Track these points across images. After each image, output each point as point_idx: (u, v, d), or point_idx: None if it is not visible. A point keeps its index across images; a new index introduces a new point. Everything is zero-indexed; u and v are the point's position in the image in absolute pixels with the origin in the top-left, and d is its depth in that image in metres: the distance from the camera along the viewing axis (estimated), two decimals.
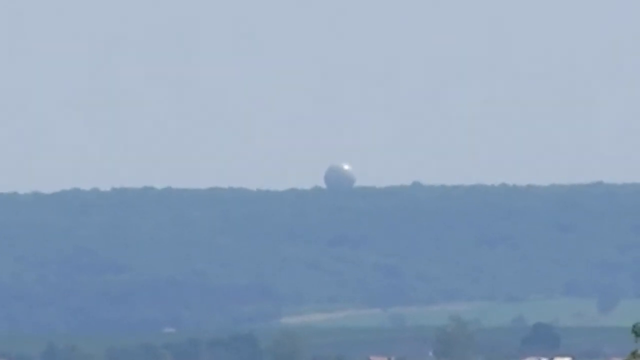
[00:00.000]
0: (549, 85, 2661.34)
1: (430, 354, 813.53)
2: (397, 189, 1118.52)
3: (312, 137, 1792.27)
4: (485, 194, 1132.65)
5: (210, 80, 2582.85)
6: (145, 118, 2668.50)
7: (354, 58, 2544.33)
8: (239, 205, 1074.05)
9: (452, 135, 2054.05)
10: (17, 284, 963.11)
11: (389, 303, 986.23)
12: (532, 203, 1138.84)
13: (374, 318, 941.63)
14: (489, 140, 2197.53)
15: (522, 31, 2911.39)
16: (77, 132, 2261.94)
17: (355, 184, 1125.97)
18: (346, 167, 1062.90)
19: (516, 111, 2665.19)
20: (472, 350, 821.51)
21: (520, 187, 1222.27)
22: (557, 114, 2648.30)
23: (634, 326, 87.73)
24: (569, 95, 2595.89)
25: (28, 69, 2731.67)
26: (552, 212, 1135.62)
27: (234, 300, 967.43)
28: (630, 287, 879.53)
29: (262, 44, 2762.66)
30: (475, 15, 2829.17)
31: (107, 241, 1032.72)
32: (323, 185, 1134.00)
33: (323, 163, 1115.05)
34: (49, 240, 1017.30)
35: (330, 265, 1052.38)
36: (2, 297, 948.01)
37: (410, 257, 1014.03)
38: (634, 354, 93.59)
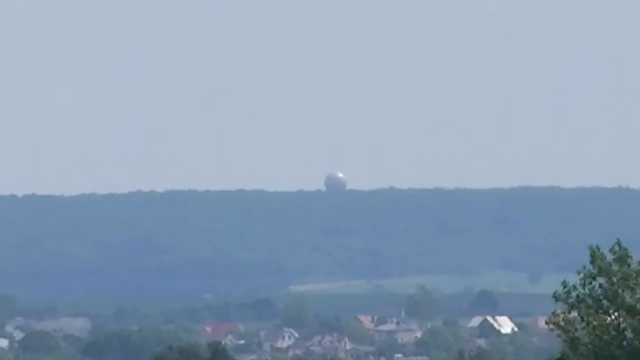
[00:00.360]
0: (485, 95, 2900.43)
1: (403, 314, 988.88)
2: (378, 191, 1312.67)
3: (316, 152, 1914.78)
4: (444, 195, 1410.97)
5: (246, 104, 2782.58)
6: (184, 134, 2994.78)
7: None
8: (258, 203, 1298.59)
9: (418, 150, 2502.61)
10: (94, 261, 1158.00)
11: (372, 276, 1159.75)
12: (479, 201, 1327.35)
13: (360, 287, 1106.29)
14: (447, 151, 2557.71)
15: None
16: (139, 143, 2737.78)
17: (347, 187, 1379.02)
18: (340, 175, 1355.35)
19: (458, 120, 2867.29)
20: (434, 311, 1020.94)
21: (468, 189, 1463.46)
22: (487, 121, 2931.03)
23: (554, 293, 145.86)
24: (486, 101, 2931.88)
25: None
26: (494, 208, 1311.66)
27: (256, 274, 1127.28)
28: (552, 265, 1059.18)
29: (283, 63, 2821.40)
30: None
31: (160, 231, 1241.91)
32: (323, 188, 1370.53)
33: (323, 171, 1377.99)
34: (120, 230, 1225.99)
35: (327, 248, 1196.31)
36: (83, 270, 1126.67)
37: (388, 242, 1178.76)
38: (553, 313, 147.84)
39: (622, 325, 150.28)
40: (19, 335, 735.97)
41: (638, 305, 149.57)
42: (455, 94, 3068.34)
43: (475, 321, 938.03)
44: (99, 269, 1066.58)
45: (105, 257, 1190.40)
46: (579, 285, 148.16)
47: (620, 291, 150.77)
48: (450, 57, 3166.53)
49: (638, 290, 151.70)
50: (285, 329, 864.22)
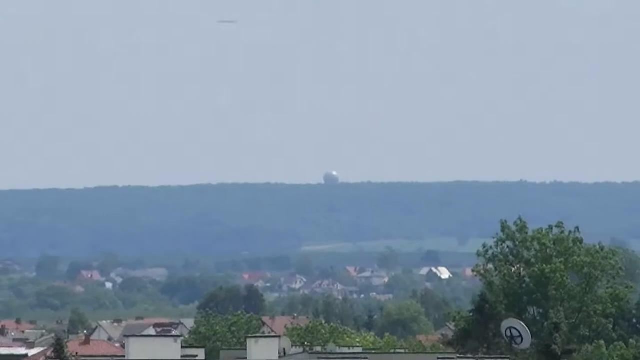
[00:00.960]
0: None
1: (376, 266, 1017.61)
2: (359, 185, 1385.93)
3: (317, 154, 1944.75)
4: (405, 186, 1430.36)
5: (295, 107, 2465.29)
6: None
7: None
8: (279, 191, 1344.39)
9: (390, 151, 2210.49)
10: (172, 230, 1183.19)
11: (355, 240, 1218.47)
12: (429, 192, 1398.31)
13: (348, 248, 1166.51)
14: (402, 146, 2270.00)
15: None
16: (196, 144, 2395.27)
17: (339, 181, 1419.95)
18: (334, 172, 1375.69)
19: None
20: (397, 264, 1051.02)
21: (421, 183, 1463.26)
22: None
23: (477, 252, 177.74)
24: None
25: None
26: (439, 196, 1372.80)
27: (278, 238, 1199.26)
28: (476, 233, 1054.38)
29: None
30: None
31: (216, 210, 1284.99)
32: (322, 182, 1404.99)
33: (322, 169, 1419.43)
34: (190, 209, 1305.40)
35: (326, 222, 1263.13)
36: (164, 236, 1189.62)
37: (367, 218, 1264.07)
38: (476, 265, 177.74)
39: (522, 274, 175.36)
40: (119, 280, 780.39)
41: (532, 259, 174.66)
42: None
43: (424, 271, 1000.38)
44: (175, 235, 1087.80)
45: (179, 227, 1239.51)
46: (494, 246, 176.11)
47: (520, 250, 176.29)
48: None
49: (532, 250, 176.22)
50: (297, 275, 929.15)
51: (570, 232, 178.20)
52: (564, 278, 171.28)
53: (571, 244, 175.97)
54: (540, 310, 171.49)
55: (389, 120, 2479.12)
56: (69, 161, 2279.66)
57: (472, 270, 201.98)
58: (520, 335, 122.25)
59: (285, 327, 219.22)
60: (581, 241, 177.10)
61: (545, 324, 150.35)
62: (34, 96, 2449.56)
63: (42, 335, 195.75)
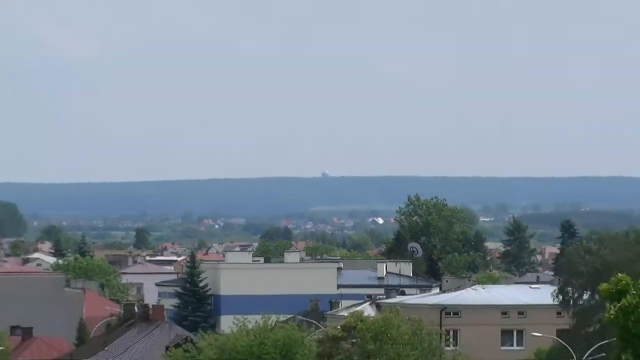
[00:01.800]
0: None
1: (347, 217, 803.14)
2: (351, 177, 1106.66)
3: (316, 153, 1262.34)
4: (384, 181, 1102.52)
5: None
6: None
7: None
8: (290, 185, 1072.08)
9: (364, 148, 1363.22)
10: (249, 198, 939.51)
11: (341, 204, 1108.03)
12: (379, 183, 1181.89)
13: (338, 209, 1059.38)
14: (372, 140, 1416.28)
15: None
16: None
17: (330, 175, 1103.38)
18: (327, 171, 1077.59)
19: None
20: (357, 216, 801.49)
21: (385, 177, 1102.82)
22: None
23: (397, 209, 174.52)
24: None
25: None
26: (384, 188, 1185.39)
27: (303, 207, 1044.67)
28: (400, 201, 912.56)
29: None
30: None
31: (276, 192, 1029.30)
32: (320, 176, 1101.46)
33: (321, 168, 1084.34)
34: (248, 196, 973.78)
35: (324, 199, 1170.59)
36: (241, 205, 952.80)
37: (344, 196, 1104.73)
38: (397, 216, 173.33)
39: (418, 221, 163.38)
40: (221, 224, 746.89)
41: (423, 214, 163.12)
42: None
43: (371, 219, 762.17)
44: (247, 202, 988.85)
45: (254, 197, 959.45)
46: (405, 207, 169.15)
47: (417, 210, 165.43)
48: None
49: (423, 209, 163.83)
50: (310, 223, 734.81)
51: (443, 201, 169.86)
52: (437, 223, 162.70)
53: (442, 207, 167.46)
54: (429, 239, 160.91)
55: None
56: None
57: (395, 219, 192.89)
58: (417, 251, 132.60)
59: (304, 247, 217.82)
60: (444, 205, 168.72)
61: (429, 244, 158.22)
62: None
63: (184, 251, 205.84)
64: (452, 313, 79.76)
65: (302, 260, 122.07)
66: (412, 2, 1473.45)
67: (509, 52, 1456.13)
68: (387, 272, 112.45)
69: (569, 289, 70.11)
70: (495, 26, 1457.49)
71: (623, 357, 29.07)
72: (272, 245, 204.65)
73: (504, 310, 79.50)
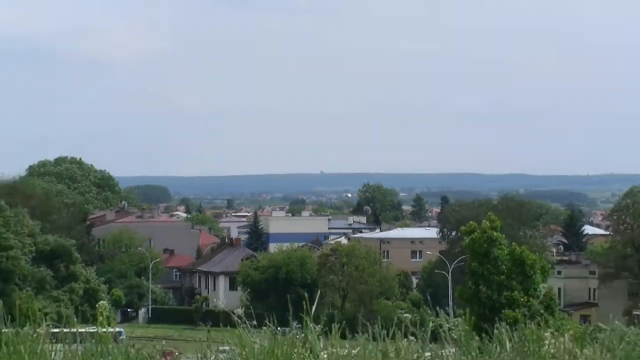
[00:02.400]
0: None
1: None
2: (347, 174, 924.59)
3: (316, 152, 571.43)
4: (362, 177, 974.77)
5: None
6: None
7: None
8: (305, 177, 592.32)
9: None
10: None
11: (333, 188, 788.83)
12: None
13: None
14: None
15: None
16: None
17: (325, 172, 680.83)
18: (323, 169, 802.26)
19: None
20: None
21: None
22: None
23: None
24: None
25: None
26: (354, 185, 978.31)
27: (307, 188, 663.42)
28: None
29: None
30: None
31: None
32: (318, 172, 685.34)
33: (319, 167, 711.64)
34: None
35: (321, 189, 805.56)
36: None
37: (334, 186, 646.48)
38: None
39: (376, 200, 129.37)
40: (269, 197, 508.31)
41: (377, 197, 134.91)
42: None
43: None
44: (284, 186, 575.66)
45: (287, 184, 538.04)
46: (363, 190, 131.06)
47: (374, 194, 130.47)
48: None
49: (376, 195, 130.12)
50: (314, 196, 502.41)
51: (380, 186, 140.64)
52: (378, 197, 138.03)
53: (379, 189, 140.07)
54: (374, 204, 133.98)
55: None
56: None
57: (357, 194, 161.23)
58: (369, 210, 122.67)
59: (311, 209, 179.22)
60: (381, 188, 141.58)
61: (375, 207, 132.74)
62: None
63: (251, 210, 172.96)
64: (385, 242, 78.10)
65: (310, 215, 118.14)
66: None
67: None
68: (353, 221, 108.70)
69: (445, 229, 68.53)
70: None
71: (472, 264, 28.96)
72: (295, 207, 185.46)
73: (412, 240, 78.13)
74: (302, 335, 3.13)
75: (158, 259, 67.96)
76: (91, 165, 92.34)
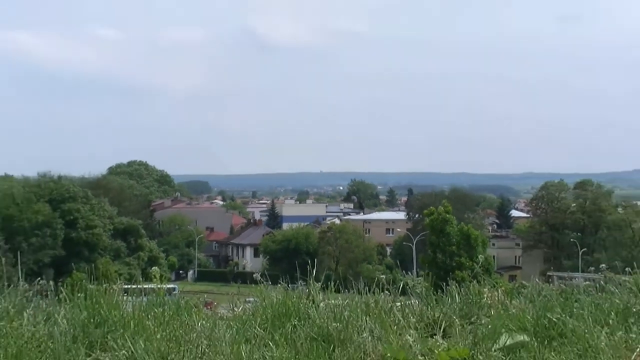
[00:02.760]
0: None
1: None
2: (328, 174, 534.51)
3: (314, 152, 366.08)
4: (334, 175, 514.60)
5: None
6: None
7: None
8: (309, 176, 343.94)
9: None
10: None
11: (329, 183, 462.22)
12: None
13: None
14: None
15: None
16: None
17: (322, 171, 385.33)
18: (322, 169, 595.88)
19: None
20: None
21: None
22: None
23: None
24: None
25: None
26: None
27: (302, 180, 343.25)
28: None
29: None
30: None
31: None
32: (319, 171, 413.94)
33: (319, 167, 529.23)
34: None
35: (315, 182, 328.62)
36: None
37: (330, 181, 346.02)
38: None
39: (360, 191, 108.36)
40: (283, 190, 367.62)
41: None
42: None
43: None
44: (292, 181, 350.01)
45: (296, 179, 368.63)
46: (351, 184, 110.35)
47: (359, 187, 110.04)
48: None
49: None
50: (315, 189, 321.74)
51: (364, 181, 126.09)
52: (360, 189, 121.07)
53: (362, 183, 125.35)
54: (359, 195, 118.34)
55: None
56: None
57: (347, 187, 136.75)
58: (355, 199, 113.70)
59: (313, 198, 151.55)
60: (363, 182, 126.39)
61: (359, 196, 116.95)
62: None
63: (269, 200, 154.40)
64: (367, 222, 76.72)
65: (312, 202, 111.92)
66: None
67: None
68: (344, 207, 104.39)
69: (410, 213, 67.94)
70: None
71: (431, 238, 29.73)
72: (301, 197, 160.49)
73: (386, 221, 76.55)
74: (307, 290, 3.26)
75: (202, 235, 68.23)
76: (153, 166, 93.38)
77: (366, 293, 3.28)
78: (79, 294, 2.97)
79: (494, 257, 45.07)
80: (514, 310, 3.13)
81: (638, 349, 2.53)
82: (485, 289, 3.43)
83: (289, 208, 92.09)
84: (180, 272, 61.83)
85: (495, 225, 72.85)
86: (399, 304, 3.26)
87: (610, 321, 2.81)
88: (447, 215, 29.56)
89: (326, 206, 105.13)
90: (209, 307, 3.73)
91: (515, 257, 54.66)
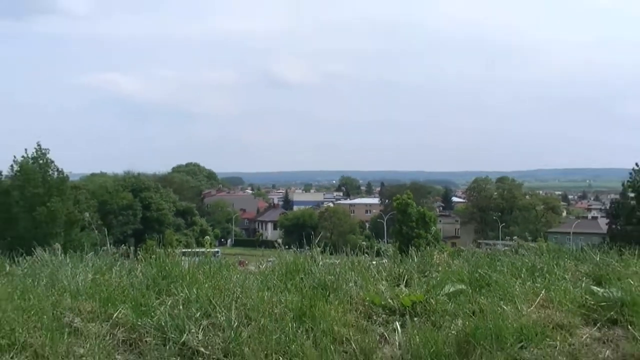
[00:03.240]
0: None
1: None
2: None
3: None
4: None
5: None
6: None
7: None
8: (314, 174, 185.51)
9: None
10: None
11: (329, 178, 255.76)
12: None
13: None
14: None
15: None
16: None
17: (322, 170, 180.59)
18: (322, 168, 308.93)
19: None
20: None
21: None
22: None
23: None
24: None
25: None
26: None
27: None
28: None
29: None
30: None
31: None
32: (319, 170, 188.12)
33: (319, 167, 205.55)
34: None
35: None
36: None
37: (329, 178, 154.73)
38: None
39: (349, 185, 77.54)
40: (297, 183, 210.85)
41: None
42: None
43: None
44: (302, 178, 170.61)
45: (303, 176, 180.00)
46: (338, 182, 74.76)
47: (349, 181, 77.69)
48: None
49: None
50: (316, 182, 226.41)
51: (354, 178, 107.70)
52: (350, 183, 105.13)
53: (350, 179, 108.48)
54: (346, 187, 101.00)
55: None
56: None
57: (339, 180, 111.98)
58: (345, 190, 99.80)
59: (315, 189, 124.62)
60: (351, 178, 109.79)
61: (349, 187, 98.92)
62: None
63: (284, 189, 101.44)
64: (352, 206, 73.94)
65: (313, 192, 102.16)
66: None
67: None
68: (336, 195, 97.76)
69: (383, 199, 66.82)
70: None
71: (398, 216, 31.13)
72: (306, 188, 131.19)
73: (366, 204, 73.72)
74: (310, 253, 3.42)
75: (237, 214, 68.38)
76: (203, 166, 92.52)
77: (351, 255, 3.46)
78: (151, 256, 3.20)
79: (440, 229, 46.80)
80: (455, 267, 3.32)
81: (541, 294, 2.72)
82: (435, 252, 3.53)
83: (298, 195, 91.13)
84: (222, 240, 62.30)
85: (441, 208, 73.47)
86: (374, 262, 3.40)
87: (522, 275, 3.01)
88: (409, 201, 31.45)
89: (324, 194, 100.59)
90: (242, 265, 3.91)
91: (455, 229, 56.02)
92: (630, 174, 19.31)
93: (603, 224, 18.52)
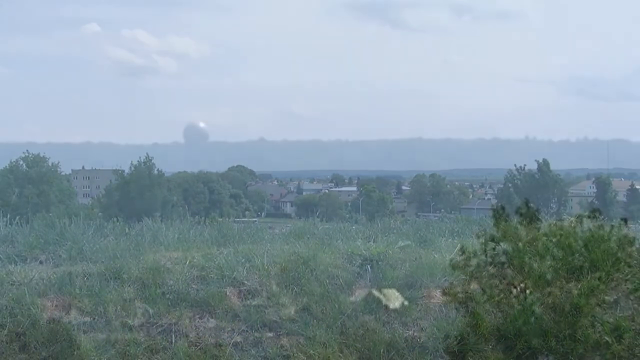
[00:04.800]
0: None
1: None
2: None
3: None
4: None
5: None
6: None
7: None
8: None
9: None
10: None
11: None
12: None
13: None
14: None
15: None
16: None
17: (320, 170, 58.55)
18: (321, 167, 60.61)
19: None
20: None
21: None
22: None
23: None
24: None
25: None
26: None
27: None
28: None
29: None
30: None
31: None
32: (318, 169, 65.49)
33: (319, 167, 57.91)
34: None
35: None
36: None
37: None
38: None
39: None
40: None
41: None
42: None
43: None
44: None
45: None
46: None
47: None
48: None
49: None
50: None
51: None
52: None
53: (343, 178, 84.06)
54: (341, 179, 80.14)
55: None
56: None
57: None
58: (338, 182, 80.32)
59: (316, 180, 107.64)
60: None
61: (343, 179, 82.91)
62: None
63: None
64: (340, 191, 62.08)
65: (316, 183, 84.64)
66: None
67: None
68: (330, 185, 79.43)
69: (359, 187, 56.20)
70: None
71: (367, 199, 31.27)
72: (311, 180, 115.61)
73: (349, 191, 60.09)
74: (313, 222, 5.07)
75: (268, 197, 65.33)
76: (246, 167, 73.98)
77: (339, 223, 4.81)
78: (214, 223, 4.87)
79: (395, 207, 46.35)
80: (404, 230, 4.81)
81: (458, 246, 3.37)
82: (391, 221, 5.02)
83: (306, 185, 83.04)
84: (258, 213, 60.13)
85: (395, 192, 66.79)
86: (354, 227, 4.74)
87: (446, 234, 4.70)
88: (374, 189, 39.11)
89: (322, 185, 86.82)
90: (271, 229, 5.41)
91: (404, 207, 57.64)
92: (510, 171, 27.28)
93: (494, 202, 24.53)
